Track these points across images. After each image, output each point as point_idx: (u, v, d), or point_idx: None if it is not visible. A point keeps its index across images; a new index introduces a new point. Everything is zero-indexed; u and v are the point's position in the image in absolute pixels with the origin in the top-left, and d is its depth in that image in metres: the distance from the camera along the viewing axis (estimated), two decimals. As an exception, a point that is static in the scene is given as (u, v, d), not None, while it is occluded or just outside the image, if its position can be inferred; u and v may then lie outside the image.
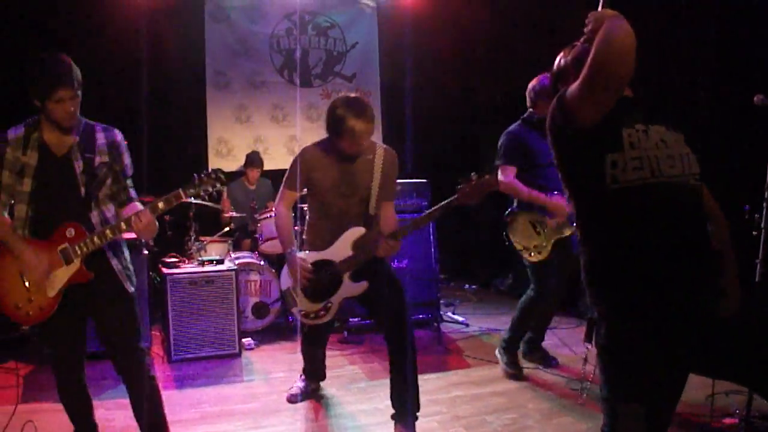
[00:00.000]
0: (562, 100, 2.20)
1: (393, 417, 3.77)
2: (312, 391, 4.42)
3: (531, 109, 4.56)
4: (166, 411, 3.32)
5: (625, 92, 2.24)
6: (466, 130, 8.53)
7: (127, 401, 3.16)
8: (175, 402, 4.23)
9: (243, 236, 6.95)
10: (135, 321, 3.13)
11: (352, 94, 3.72)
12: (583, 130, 2.13)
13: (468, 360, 5.17)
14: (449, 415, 4.06)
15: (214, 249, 6.12)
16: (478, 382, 4.64)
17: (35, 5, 6.62)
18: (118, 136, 3.13)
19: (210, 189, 3.04)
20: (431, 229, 6.03)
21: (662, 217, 2.11)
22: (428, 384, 4.58)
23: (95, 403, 3.30)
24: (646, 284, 2.10)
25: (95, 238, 2.93)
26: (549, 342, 5.05)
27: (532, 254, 4.50)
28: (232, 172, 7.64)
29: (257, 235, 6.55)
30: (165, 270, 5.32)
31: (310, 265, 3.73)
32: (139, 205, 3.07)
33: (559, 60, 2.46)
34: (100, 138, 3.07)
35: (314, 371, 4.43)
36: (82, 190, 2.98)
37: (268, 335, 5.94)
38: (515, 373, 4.65)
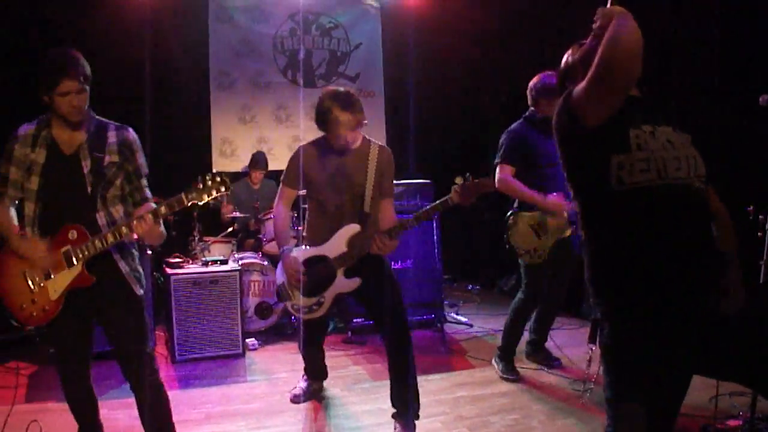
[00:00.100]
0: (568, 99, 2.19)
1: (394, 416, 3.79)
2: (315, 391, 4.42)
3: (532, 108, 4.54)
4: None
5: (632, 92, 2.24)
6: (469, 130, 8.52)
7: (131, 401, 3.14)
8: (179, 402, 4.23)
9: (246, 236, 6.95)
10: (143, 325, 3.07)
11: (342, 89, 3.74)
12: (590, 131, 2.13)
13: (471, 361, 5.17)
14: (452, 416, 4.06)
15: (217, 249, 6.13)
16: (481, 382, 4.64)
17: (38, 5, 6.65)
18: (131, 135, 3.08)
19: (214, 193, 2.94)
20: (435, 230, 6.03)
21: (667, 219, 2.10)
22: (431, 384, 4.58)
23: (99, 402, 3.29)
24: (649, 285, 2.10)
25: (96, 242, 2.86)
26: (552, 343, 5.04)
27: (531, 257, 4.48)
28: (235, 173, 7.67)
29: (261, 236, 6.56)
30: (169, 270, 5.33)
31: (301, 266, 3.75)
32: (153, 206, 2.99)
33: (567, 58, 2.45)
34: (112, 137, 3.01)
35: (315, 371, 4.43)
36: (89, 189, 2.92)
37: (272, 335, 5.95)
38: (513, 378, 4.65)
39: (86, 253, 2.86)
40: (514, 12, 7.49)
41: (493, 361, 4.84)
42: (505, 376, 4.66)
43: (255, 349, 5.57)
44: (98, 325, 3.07)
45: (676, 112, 2.30)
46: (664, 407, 2.12)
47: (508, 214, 4.57)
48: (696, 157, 2.18)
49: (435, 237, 6.03)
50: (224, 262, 5.59)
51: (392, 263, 5.57)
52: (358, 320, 5.76)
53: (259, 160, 7.20)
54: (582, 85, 2.10)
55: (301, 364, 4.44)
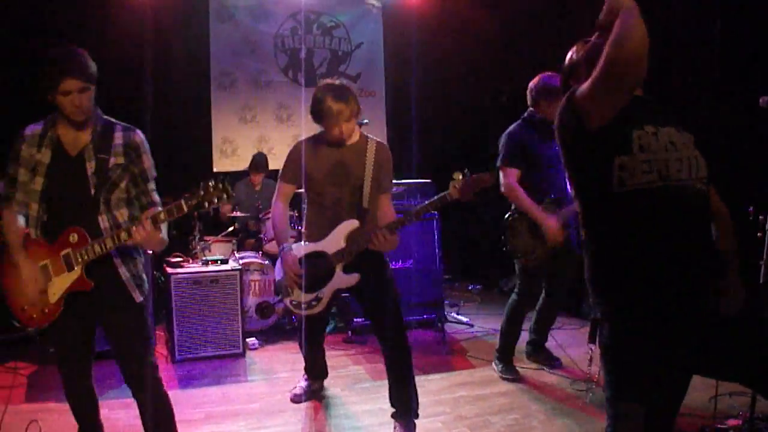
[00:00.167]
0: (572, 99, 2.17)
1: (393, 416, 3.79)
2: (315, 391, 4.42)
3: (532, 109, 4.52)
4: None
5: (636, 91, 2.23)
6: (471, 130, 8.52)
7: (131, 401, 3.11)
8: (179, 402, 4.22)
9: (247, 236, 6.96)
10: (143, 332, 3.00)
11: (338, 81, 3.75)
12: (593, 131, 2.12)
13: (472, 360, 5.17)
14: (453, 416, 4.06)
15: (218, 249, 6.14)
16: (481, 382, 4.64)
17: (38, 5, 6.65)
18: (139, 136, 2.99)
19: (215, 201, 2.81)
20: (435, 230, 6.03)
21: (668, 221, 2.10)
22: (432, 384, 4.59)
23: (99, 402, 3.28)
24: (649, 286, 2.09)
25: (96, 246, 2.80)
26: (552, 343, 5.04)
27: (528, 260, 4.48)
28: (236, 172, 7.67)
29: (262, 235, 6.56)
30: (169, 270, 5.33)
31: (299, 267, 3.75)
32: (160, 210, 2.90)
33: (571, 55, 2.44)
34: (118, 138, 2.94)
35: (316, 369, 4.44)
36: (92, 191, 2.86)
37: (272, 335, 5.95)
38: (513, 378, 4.65)
39: (85, 257, 2.81)
40: (516, 12, 7.49)
41: (493, 363, 4.85)
42: (505, 376, 4.66)
43: (255, 349, 5.57)
44: (101, 326, 3.04)
45: (676, 112, 2.30)
46: (664, 407, 2.12)
47: (506, 216, 4.54)
48: (698, 158, 2.17)
49: (436, 237, 6.03)
50: (225, 261, 5.59)
51: (393, 263, 5.59)
52: (359, 320, 5.75)
53: (258, 162, 7.21)
54: (586, 84, 2.08)
55: (302, 364, 4.44)
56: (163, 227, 2.92)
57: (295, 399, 4.32)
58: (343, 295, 3.97)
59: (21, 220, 2.93)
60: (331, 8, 8.68)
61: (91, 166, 2.86)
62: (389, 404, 3.83)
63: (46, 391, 4.43)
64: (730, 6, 5.27)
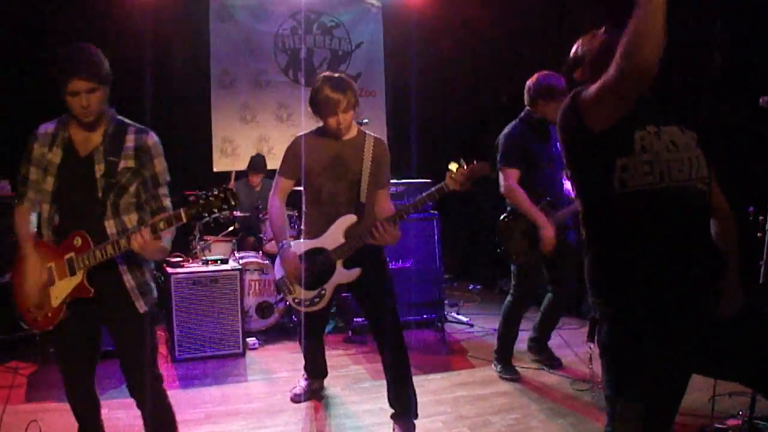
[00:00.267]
0: (576, 100, 2.16)
1: (392, 417, 3.79)
2: (315, 390, 4.43)
3: (529, 108, 4.51)
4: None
5: None
6: (471, 130, 8.52)
7: (131, 401, 3.06)
8: (179, 401, 4.23)
9: (247, 236, 6.95)
10: (146, 342, 2.89)
11: (337, 74, 3.76)
12: (595, 133, 2.11)
13: (472, 360, 5.18)
14: (453, 415, 4.06)
15: (218, 248, 6.14)
16: (481, 382, 4.64)
17: (38, 5, 6.65)
18: (151, 139, 2.89)
19: (216, 212, 2.68)
20: (435, 229, 6.03)
21: (668, 222, 2.10)
22: (432, 384, 4.59)
23: (100, 402, 3.26)
24: (649, 286, 2.10)
25: (97, 252, 2.71)
26: (552, 342, 5.04)
27: (523, 261, 4.47)
28: (236, 172, 7.66)
29: (262, 235, 6.56)
30: (169, 269, 5.33)
31: (300, 263, 3.74)
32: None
33: (576, 48, 2.42)
34: (130, 140, 2.85)
35: (316, 369, 4.44)
36: (100, 195, 2.78)
37: (273, 335, 5.95)
38: (512, 377, 4.65)
39: (86, 262, 2.73)
40: (516, 12, 7.49)
41: (492, 364, 4.85)
42: (504, 376, 4.66)
43: (255, 349, 5.58)
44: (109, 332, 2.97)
45: (678, 112, 2.29)
46: (663, 406, 2.12)
47: (501, 217, 4.53)
48: (699, 158, 2.17)
49: (436, 236, 6.03)
50: (225, 261, 5.59)
51: (393, 263, 5.59)
52: (359, 319, 5.75)
53: (256, 163, 7.21)
54: (593, 89, 2.06)
55: (301, 364, 4.44)
56: (168, 236, 2.84)
57: (295, 399, 4.33)
58: (343, 295, 3.97)
59: (33, 219, 2.87)
60: (332, 8, 8.67)
61: (99, 169, 2.79)
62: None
63: (46, 391, 4.43)
64: (730, 6, 5.26)
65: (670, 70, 2.21)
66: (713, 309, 2.13)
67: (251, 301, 5.90)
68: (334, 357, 5.12)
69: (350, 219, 3.72)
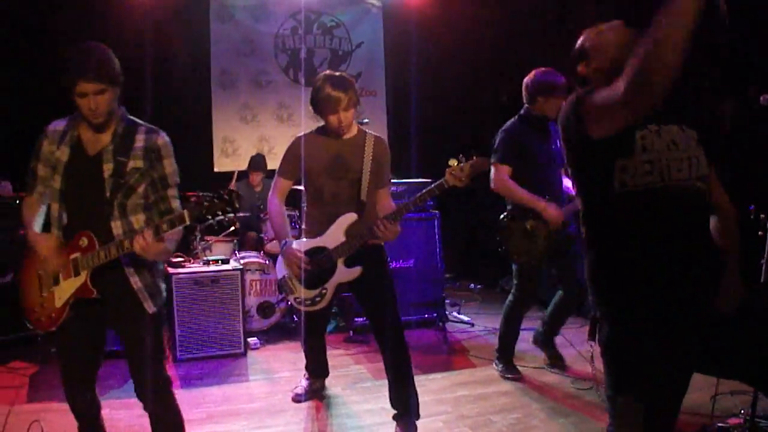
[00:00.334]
0: (581, 104, 2.14)
1: (394, 417, 3.80)
2: (316, 390, 4.43)
3: (527, 105, 4.49)
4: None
5: None
6: (471, 130, 8.52)
7: (132, 401, 3.07)
8: (180, 401, 4.21)
9: (248, 236, 6.95)
10: (154, 343, 2.85)
11: (338, 73, 3.75)
12: (595, 138, 2.10)
13: (473, 360, 5.18)
14: (454, 415, 4.06)
15: (219, 248, 6.14)
16: (482, 381, 4.64)
17: (38, 5, 6.65)
18: (162, 139, 2.85)
19: (219, 215, 2.62)
20: (436, 229, 6.03)
21: (668, 221, 2.10)
22: (433, 383, 4.59)
23: (101, 402, 3.21)
24: (649, 286, 2.10)
25: (101, 253, 2.67)
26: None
27: (524, 261, 4.47)
28: (237, 172, 7.66)
29: (263, 235, 6.57)
30: (170, 269, 5.33)
31: (305, 256, 3.74)
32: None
33: (583, 41, 2.36)
34: (140, 140, 2.80)
35: (317, 368, 4.44)
36: (107, 195, 2.72)
37: (274, 335, 5.96)
38: (514, 377, 4.65)
39: (90, 263, 2.69)
40: (516, 12, 7.49)
41: (493, 363, 4.85)
42: (506, 375, 4.67)
43: (256, 348, 5.58)
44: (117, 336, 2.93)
45: (678, 111, 2.28)
46: (664, 405, 2.12)
47: (501, 217, 4.53)
48: (699, 157, 2.17)
49: (437, 236, 6.03)
50: (226, 261, 5.60)
51: (393, 263, 5.60)
52: (360, 319, 5.76)
53: (256, 162, 7.21)
54: (597, 103, 2.04)
55: (303, 363, 4.45)
56: (173, 237, 2.81)
57: (297, 398, 4.33)
58: (344, 294, 3.97)
59: (40, 219, 2.83)
60: (332, 8, 8.68)
61: (108, 169, 2.74)
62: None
63: (47, 391, 4.43)
64: (730, 6, 5.26)
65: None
66: (712, 305, 2.13)
67: (252, 301, 5.90)
68: (336, 357, 5.12)
69: (351, 218, 3.72)
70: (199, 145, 7.96)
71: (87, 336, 2.86)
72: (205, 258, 5.63)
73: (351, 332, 5.82)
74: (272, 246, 6.27)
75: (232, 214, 2.71)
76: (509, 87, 7.40)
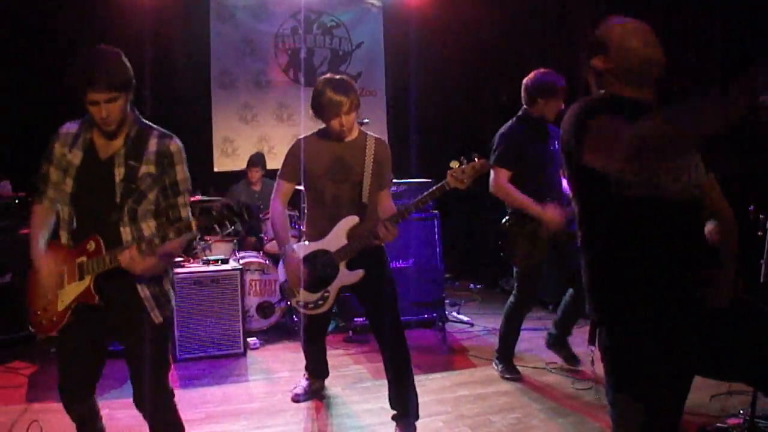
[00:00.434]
0: (584, 130, 2.08)
1: (394, 418, 3.80)
2: (316, 390, 4.43)
3: (526, 107, 4.47)
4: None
5: (645, 94, 2.20)
6: (471, 130, 8.52)
7: (131, 401, 2.99)
8: (180, 402, 4.21)
9: (248, 236, 6.95)
10: (159, 353, 2.81)
11: (338, 76, 3.75)
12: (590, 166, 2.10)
13: (473, 360, 5.18)
14: (454, 415, 4.07)
15: (218, 248, 6.13)
16: (482, 381, 4.64)
17: (38, 5, 6.65)
18: (174, 145, 2.79)
19: (228, 226, 2.58)
20: (436, 229, 6.03)
21: (662, 226, 2.10)
22: (433, 383, 4.59)
23: (100, 402, 3.20)
24: (645, 288, 2.10)
25: (107, 258, 2.60)
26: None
27: (526, 264, 4.46)
28: (237, 171, 7.67)
29: (262, 235, 6.57)
30: (170, 269, 5.32)
31: (302, 268, 3.73)
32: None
33: (606, 33, 2.25)
34: (152, 145, 2.75)
35: (317, 369, 4.44)
36: (118, 200, 2.67)
37: (273, 335, 5.95)
38: (513, 377, 4.65)
39: (95, 268, 2.63)
40: (516, 12, 7.49)
41: (493, 364, 4.85)
42: (505, 375, 4.66)
43: (256, 349, 5.58)
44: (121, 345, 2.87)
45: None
46: (665, 407, 2.12)
47: (503, 221, 4.52)
48: (698, 165, 2.17)
49: (436, 236, 6.03)
50: (225, 261, 5.59)
51: (393, 263, 5.58)
52: (360, 319, 5.75)
53: (255, 159, 7.21)
54: (604, 136, 2.00)
55: (302, 363, 4.45)
56: (172, 252, 2.76)
57: (296, 398, 4.33)
58: (345, 294, 3.97)
59: (52, 218, 2.79)
60: (332, 8, 8.68)
61: (119, 173, 2.69)
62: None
63: (47, 391, 4.42)
64: (730, 4, 5.27)
65: (670, 71, 2.20)
66: (701, 299, 2.12)
67: (252, 301, 5.90)
68: (335, 357, 5.12)
69: (353, 220, 3.71)
70: (198, 144, 7.95)
71: (87, 342, 2.78)
72: (204, 258, 5.63)
73: (350, 332, 5.82)
74: (272, 246, 6.27)
75: (241, 229, 2.66)
76: (509, 87, 7.40)
